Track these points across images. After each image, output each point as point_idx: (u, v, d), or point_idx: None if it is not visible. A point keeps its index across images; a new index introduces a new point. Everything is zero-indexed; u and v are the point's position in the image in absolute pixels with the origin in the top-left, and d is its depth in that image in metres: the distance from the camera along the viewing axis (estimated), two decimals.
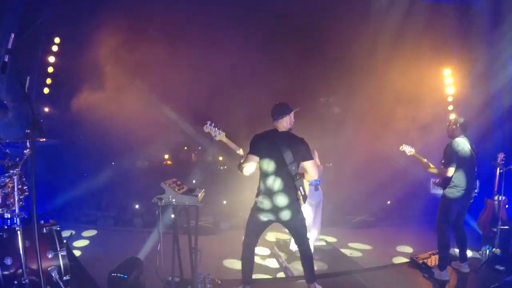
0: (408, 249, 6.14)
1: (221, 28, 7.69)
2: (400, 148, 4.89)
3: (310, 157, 3.79)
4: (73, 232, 5.32)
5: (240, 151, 3.97)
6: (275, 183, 3.69)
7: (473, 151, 4.55)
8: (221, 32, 7.70)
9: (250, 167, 3.72)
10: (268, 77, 7.92)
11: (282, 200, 3.69)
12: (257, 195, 3.82)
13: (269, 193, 3.71)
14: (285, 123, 3.81)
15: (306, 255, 3.92)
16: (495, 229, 5.08)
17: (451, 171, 4.39)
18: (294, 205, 3.75)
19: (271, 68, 7.88)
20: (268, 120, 3.93)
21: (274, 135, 3.76)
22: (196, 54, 7.64)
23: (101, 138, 7.87)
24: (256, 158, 3.70)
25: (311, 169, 3.76)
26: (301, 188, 3.72)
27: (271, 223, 3.87)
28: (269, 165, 3.69)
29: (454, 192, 4.46)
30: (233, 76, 8.20)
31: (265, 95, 6.19)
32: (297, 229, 3.88)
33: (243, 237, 3.93)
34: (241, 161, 3.85)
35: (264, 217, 3.78)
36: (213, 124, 3.89)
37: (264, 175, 3.75)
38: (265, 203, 3.73)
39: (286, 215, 3.74)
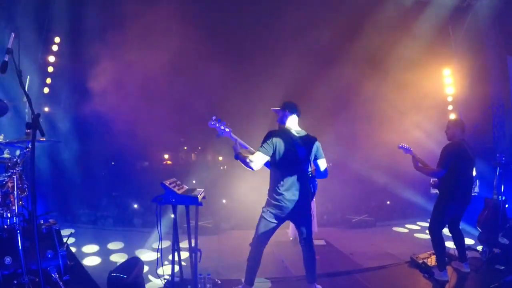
0: (408, 249, 6.13)
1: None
2: (398, 146, 4.91)
3: (323, 155, 3.81)
4: (73, 231, 5.33)
5: (250, 149, 3.92)
6: (290, 181, 3.65)
7: (471, 153, 4.54)
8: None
9: (260, 163, 3.62)
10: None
11: (297, 198, 3.67)
12: (272, 195, 3.74)
13: (285, 192, 3.66)
14: (297, 121, 3.86)
15: (310, 254, 3.91)
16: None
17: (440, 172, 4.37)
18: (307, 204, 3.77)
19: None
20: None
21: (289, 134, 3.74)
22: (200, 50, 7.64)
23: (101, 138, 7.88)
24: (268, 156, 3.64)
25: (324, 167, 3.79)
26: (311, 186, 3.75)
27: (284, 222, 3.83)
28: (284, 164, 3.66)
29: (450, 194, 4.44)
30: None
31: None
32: (306, 227, 3.86)
33: (253, 238, 3.85)
34: (244, 153, 3.80)
35: (278, 217, 3.73)
36: (218, 120, 3.82)
37: (278, 173, 3.70)
38: (281, 202, 3.67)
39: (299, 213, 3.74)
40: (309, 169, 3.74)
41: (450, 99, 8.23)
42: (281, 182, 3.68)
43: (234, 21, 7.99)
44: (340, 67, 8.13)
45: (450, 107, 8.21)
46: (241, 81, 8.33)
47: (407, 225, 7.83)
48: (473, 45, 7.59)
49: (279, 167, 3.68)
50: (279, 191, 3.68)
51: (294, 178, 3.66)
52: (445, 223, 4.56)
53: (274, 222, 3.75)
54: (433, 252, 4.98)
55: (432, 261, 4.90)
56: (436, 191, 4.73)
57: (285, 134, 3.72)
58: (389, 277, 4.80)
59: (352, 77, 8.35)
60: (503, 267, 4.70)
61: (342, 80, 8.37)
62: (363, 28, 7.68)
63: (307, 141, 3.75)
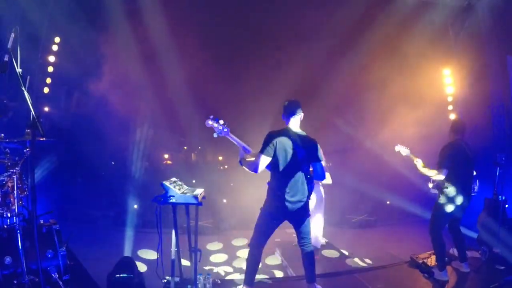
0: (408, 249, 6.13)
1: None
2: (395, 148, 4.87)
3: (322, 158, 3.80)
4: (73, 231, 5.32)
5: (248, 148, 3.85)
6: (290, 182, 3.64)
7: (470, 153, 4.52)
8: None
9: (263, 165, 3.59)
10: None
11: (296, 199, 3.66)
12: (271, 195, 3.74)
13: (284, 192, 3.64)
14: (299, 121, 3.80)
15: (308, 255, 3.90)
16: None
17: (442, 173, 4.35)
18: (306, 204, 3.76)
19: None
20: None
21: (289, 134, 3.71)
22: (198, 47, 7.64)
23: (101, 138, 7.87)
24: (270, 158, 3.60)
25: (322, 169, 3.78)
26: (309, 186, 3.74)
27: (282, 222, 3.82)
28: (285, 165, 3.63)
29: (449, 195, 4.44)
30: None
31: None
32: (304, 228, 3.85)
33: (251, 238, 3.84)
34: (248, 158, 3.76)
35: (277, 217, 3.73)
36: (216, 119, 3.77)
37: (278, 174, 3.67)
38: (280, 203, 3.66)
39: (298, 214, 3.73)
40: (309, 171, 3.72)
41: (450, 99, 8.23)
42: (281, 183, 3.67)
43: (234, 22, 7.99)
44: (340, 67, 8.14)
45: (450, 107, 8.21)
46: (243, 80, 8.32)
47: (406, 225, 7.77)
48: (473, 45, 7.59)
49: (279, 168, 3.66)
50: (278, 192, 3.67)
51: (293, 179, 3.64)
52: (445, 223, 4.55)
53: (272, 223, 3.75)
54: (433, 252, 4.98)
55: (432, 261, 4.90)
56: (437, 191, 4.72)
57: (285, 135, 3.69)
58: (389, 277, 4.80)
59: (351, 77, 8.35)
60: (503, 267, 4.70)
61: (342, 79, 8.38)
62: (362, 28, 7.68)
63: (307, 143, 3.73)
